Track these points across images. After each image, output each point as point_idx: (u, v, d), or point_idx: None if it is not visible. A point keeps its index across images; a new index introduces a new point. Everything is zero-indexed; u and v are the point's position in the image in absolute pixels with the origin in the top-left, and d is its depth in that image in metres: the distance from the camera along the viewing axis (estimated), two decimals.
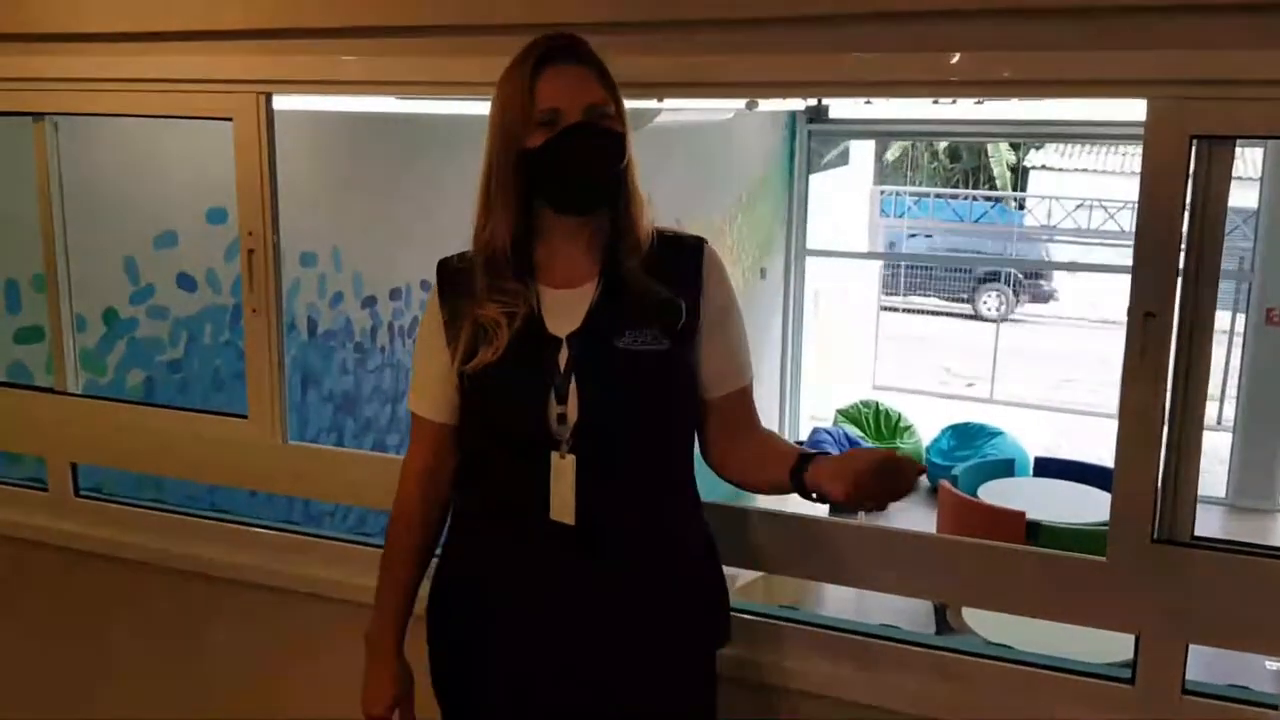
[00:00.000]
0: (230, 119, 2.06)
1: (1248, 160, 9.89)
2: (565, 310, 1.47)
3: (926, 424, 9.15)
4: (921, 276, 15.86)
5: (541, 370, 1.45)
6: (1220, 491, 8.17)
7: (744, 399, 1.56)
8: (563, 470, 1.44)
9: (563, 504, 1.44)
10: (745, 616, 1.82)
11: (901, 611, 4.99)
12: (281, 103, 2.06)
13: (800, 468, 1.42)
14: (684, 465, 1.55)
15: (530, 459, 1.46)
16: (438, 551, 1.63)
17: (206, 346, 3.59)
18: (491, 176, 1.46)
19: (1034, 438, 8.93)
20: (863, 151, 11.49)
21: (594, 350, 1.45)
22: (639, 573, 1.49)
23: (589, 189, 1.45)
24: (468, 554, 1.57)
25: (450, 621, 1.59)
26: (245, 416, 2.18)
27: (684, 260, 1.51)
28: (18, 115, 2.28)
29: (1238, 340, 8.78)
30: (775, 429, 9.03)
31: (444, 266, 1.57)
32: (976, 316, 15.27)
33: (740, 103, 5.91)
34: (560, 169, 1.42)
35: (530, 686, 1.51)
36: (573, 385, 1.44)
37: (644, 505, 1.49)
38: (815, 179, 9.37)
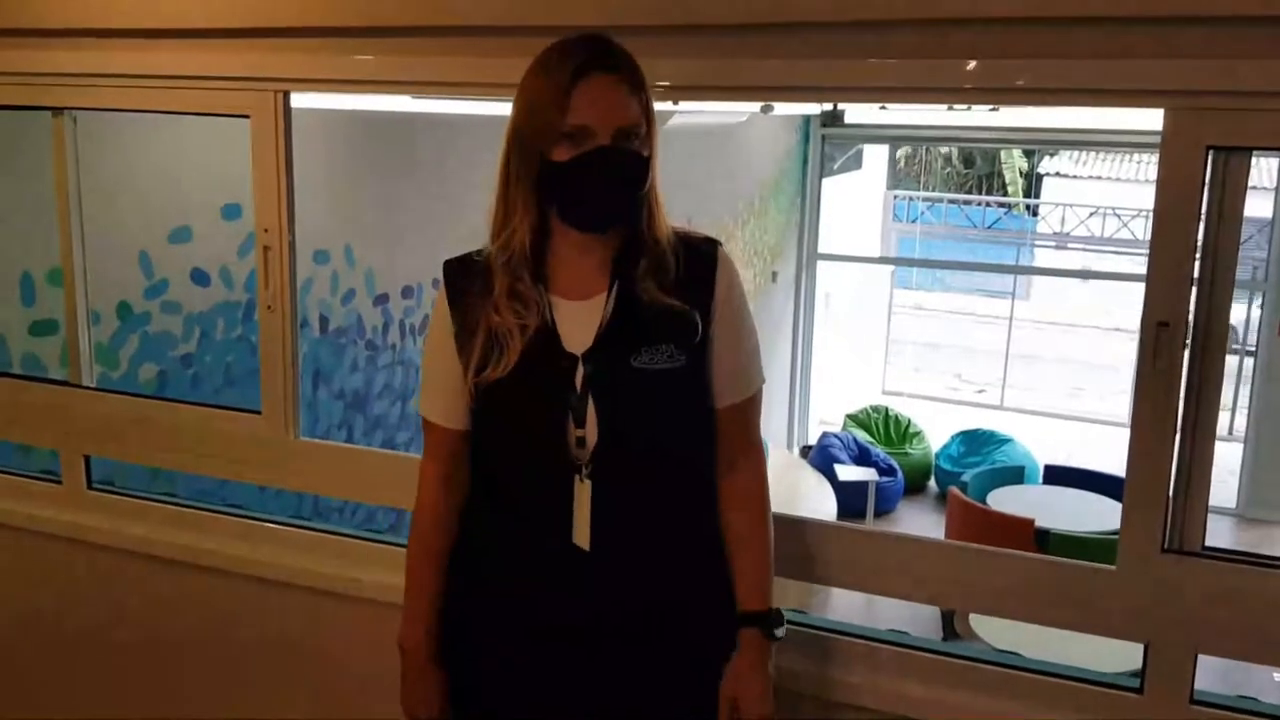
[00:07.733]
0: (248, 116, 2.07)
1: (1263, 169, 9.85)
2: (578, 324, 1.44)
3: (936, 430, 9.11)
4: None
5: (558, 390, 1.42)
6: (1231, 502, 8.13)
7: (745, 412, 1.53)
8: (583, 494, 1.42)
9: (582, 528, 1.43)
10: None
11: (909, 617, 4.98)
12: (297, 100, 2.07)
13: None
14: (704, 476, 1.53)
15: (550, 480, 1.44)
16: None
17: (219, 341, 3.60)
18: (510, 177, 1.43)
19: (1045, 446, 8.90)
20: (876, 156, 11.48)
21: (610, 370, 1.42)
22: (654, 594, 1.48)
23: (605, 212, 1.42)
24: (485, 568, 1.55)
25: (464, 636, 1.57)
26: (258, 412, 2.19)
27: (696, 264, 1.47)
28: (37, 110, 2.29)
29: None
30: (784, 433, 9.08)
31: (451, 269, 1.52)
32: None
33: (755, 106, 5.91)
34: (580, 190, 1.39)
35: (542, 701, 1.51)
36: (590, 407, 1.42)
37: (663, 524, 1.48)
38: (828, 183, 9.35)
